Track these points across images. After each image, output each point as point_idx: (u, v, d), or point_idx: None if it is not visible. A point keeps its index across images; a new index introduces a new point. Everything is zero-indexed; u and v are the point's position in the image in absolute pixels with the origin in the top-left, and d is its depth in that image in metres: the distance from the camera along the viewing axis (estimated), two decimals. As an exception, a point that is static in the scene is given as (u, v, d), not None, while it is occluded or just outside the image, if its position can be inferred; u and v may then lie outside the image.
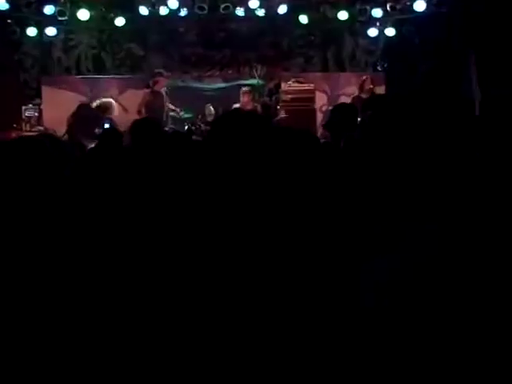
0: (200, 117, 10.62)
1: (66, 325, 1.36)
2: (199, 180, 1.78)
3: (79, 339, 1.35)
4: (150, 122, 4.91)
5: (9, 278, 1.64)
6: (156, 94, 10.25)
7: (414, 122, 1.34)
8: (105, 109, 9.79)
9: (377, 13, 10.83)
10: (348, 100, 10.18)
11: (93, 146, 6.20)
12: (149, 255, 1.54)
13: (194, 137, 9.76)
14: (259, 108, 10.26)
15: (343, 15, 10.86)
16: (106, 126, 9.51)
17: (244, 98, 10.13)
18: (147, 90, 10.20)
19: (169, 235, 1.64)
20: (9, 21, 10.60)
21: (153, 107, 10.18)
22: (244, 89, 10.41)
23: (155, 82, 10.37)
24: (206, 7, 10.71)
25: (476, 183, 1.36)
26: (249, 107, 9.87)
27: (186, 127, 10.30)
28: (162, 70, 10.86)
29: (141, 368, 1.33)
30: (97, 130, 9.75)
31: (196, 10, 10.78)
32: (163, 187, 2.60)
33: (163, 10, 10.66)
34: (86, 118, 9.74)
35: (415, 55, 11.01)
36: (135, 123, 4.68)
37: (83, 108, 9.91)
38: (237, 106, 9.94)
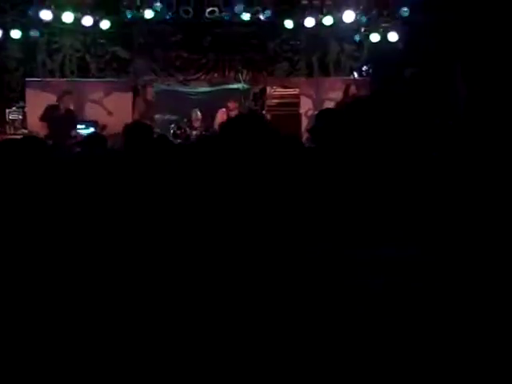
0: (186, 120, 10.61)
1: (66, 325, 1.35)
2: (197, 183, 1.78)
3: (79, 339, 1.34)
4: (142, 125, 4.92)
5: (4, 281, 1.63)
6: (149, 104, 10.24)
7: (395, 132, 1.35)
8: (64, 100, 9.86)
9: (362, 18, 10.88)
10: (333, 105, 10.24)
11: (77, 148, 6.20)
12: (145, 255, 1.54)
13: (178, 141, 9.77)
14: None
15: (328, 20, 10.90)
16: (91, 129, 9.49)
17: (231, 104, 10.13)
18: (139, 99, 10.13)
19: (166, 235, 1.64)
20: (-8, 23, 10.53)
21: (146, 116, 10.21)
22: (231, 94, 10.47)
23: (145, 90, 10.37)
24: (191, 11, 10.71)
25: (457, 205, 1.37)
26: (234, 113, 9.89)
27: (172, 131, 10.29)
28: (151, 77, 10.91)
29: (141, 368, 1.32)
30: (73, 132, 9.77)
31: (181, 14, 10.78)
32: (155, 189, 2.59)
33: (148, 14, 10.65)
34: (56, 118, 9.75)
35: (400, 61, 11.08)
36: (128, 127, 4.69)
37: (50, 109, 9.92)
38: (222, 111, 9.96)
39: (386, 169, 1.36)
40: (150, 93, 10.49)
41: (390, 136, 1.34)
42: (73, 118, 10.09)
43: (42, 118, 9.93)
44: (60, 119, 9.78)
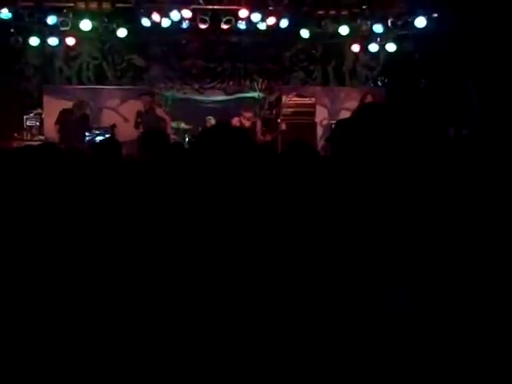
0: (200, 129, 10.63)
1: (66, 325, 1.36)
2: (196, 188, 1.79)
3: (79, 339, 1.35)
4: (158, 133, 4.97)
5: (11, 283, 1.64)
6: (151, 112, 10.26)
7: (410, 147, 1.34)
8: (80, 106, 9.92)
9: (378, 28, 10.88)
10: (348, 114, 10.22)
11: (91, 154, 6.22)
12: (149, 257, 1.54)
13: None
14: (259, 122, 10.28)
15: (344, 30, 10.91)
16: (107, 135, 9.54)
17: (246, 114, 10.12)
18: (141, 110, 10.15)
19: (167, 239, 1.65)
20: (11, 30, 10.63)
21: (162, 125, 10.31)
22: (246, 103, 10.47)
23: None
24: (207, 20, 10.76)
25: (474, 214, 1.36)
26: (248, 123, 9.91)
27: (187, 139, 10.32)
28: (166, 85, 10.99)
29: (141, 368, 1.32)
30: (87, 134, 9.83)
31: (198, 23, 10.83)
32: (163, 193, 2.60)
33: (165, 22, 10.71)
34: (69, 123, 9.82)
35: (415, 71, 11.06)
36: (144, 134, 4.75)
37: (65, 113, 10.00)
38: (236, 120, 9.97)
39: (402, 179, 1.35)
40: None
41: (406, 146, 1.34)
42: (87, 123, 10.14)
43: (57, 122, 10.03)
44: (73, 124, 9.84)
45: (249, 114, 10.15)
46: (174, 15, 10.62)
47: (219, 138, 1.82)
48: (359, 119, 1.39)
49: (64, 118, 9.95)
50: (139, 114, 9.94)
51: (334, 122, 10.96)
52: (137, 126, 9.82)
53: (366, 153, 1.32)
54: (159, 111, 10.50)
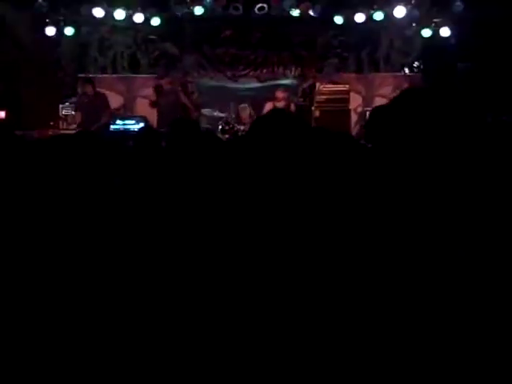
0: (234, 116, 10.64)
1: (66, 323, 1.36)
2: (236, 180, 1.78)
3: (79, 339, 1.35)
4: (188, 121, 4.97)
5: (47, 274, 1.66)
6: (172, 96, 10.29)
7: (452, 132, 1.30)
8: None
9: (413, 13, 10.71)
10: (383, 101, 10.12)
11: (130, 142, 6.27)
12: (185, 254, 1.54)
13: (226, 136, 9.81)
14: (292, 107, 10.20)
15: (379, 15, 10.78)
16: (141, 124, 9.60)
17: (279, 94, 10.02)
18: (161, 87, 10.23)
19: (203, 235, 1.64)
20: (47, 20, 10.76)
21: (195, 112, 10.33)
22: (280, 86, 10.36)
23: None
24: (240, 7, 10.73)
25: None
26: (282, 104, 9.80)
27: (220, 127, 10.32)
28: (200, 73, 10.99)
29: (141, 368, 1.32)
30: (104, 118, 9.82)
31: (231, 11, 10.81)
32: (197, 187, 2.60)
33: (198, 10, 10.72)
34: (85, 105, 9.90)
35: (452, 56, 10.87)
36: (174, 123, 4.74)
37: (79, 97, 10.10)
38: (269, 104, 9.89)
39: (442, 168, 1.32)
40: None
41: (447, 133, 1.30)
42: (105, 102, 10.10)
43: (76, 109, 10.15)
44: (89, 106, 9.88)
45: (282, 95, 10.03)
46: (207, 3, 10.62)
47: (276, 126, 1.80)
48: (398, 105, 1.35)
49: (81, 102, 10.04)
50: (158, 89, 9.99)
51: (368, 108, 10.85)
52: (153, 104, 9.90)
53: (405, 141, 1.29)
54: (183, 98, 10.45)
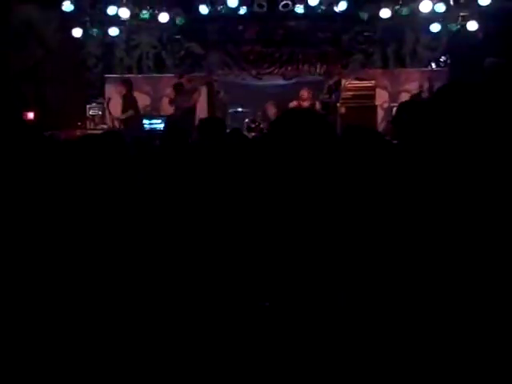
0: (259, 114, 10.63)
1: (66, 321, 1.36)
2: (259, 177, 1.78)
3: (79, 339, 1.35)
4: (215, 120, 5.00)
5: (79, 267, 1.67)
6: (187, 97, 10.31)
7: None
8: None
9: (440, 8, 10.59)
10: (409, 96, 10.05)
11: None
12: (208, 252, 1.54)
13: (252, 134, 9.81)
14: (318, 105, 10.17)
15: (404, 11, 10.68)
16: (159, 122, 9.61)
17: (304, 93, 9.99)
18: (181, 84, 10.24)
19: (233, 232, 1.64)
20: (73, 21, 10.87)
21: (220, 111, 10.32)
22: (305, 87, 10.30)
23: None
24: (265, 5, 10.72)
25: None
26: (307, 103, 9.78)
27: (246, 125, 10.33)
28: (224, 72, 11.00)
29: (141, 368, 1.32)
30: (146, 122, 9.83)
31: (255, 8, 10.80)
32: (224, 185, 2.61)
33: (223, 9, 10.73)
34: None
35: (479, 51, 10.73)
36: (202, 122, 4.78)
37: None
38: (294, 103, 9.88)
39: (470, 164, 1.29)
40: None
41: (475, 130, 1.27)
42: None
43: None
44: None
45: (306, 94, 10.00)
46: (232, 2, 10.63)
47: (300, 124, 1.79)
48: (434, 103, 1.32)
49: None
50: (177, 88, 10.01)
51: (394, 104, 10.76)
52: (170, 102, 9.94)
53: (441, 138, 1.26)
54: (196, 97, 10.38)
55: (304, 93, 9.97)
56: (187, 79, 10.31)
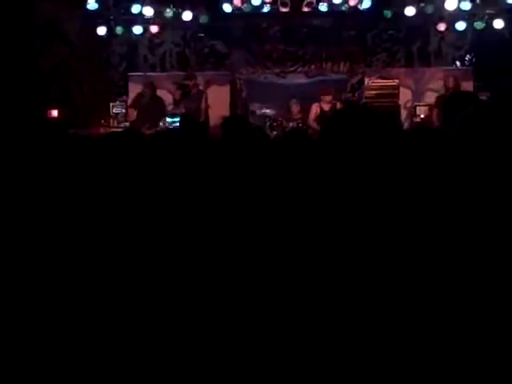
0: (282, 112, 10.61)
1: (66, 321, 1.36)
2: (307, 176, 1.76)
3: (79, 339, 1.34)
4: (239, 118, 5.03)
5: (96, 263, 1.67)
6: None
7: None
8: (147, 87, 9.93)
9: (465, 6, 10.48)
10: (434, 96, 9.95)
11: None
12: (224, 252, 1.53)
13: (274, 132, 9.79)
14: (339, 105, 10.10)
15: (429, 8, 10.58)
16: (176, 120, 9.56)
17: (325, 97, 9.95)
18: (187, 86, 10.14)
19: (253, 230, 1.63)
20: (98, 20, 10.95)
21: (243, 109, 10.25)
22: (326, 86, 10.22)
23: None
24: (288, 3, 10.70)
25: None
26: (328, 106, 9.77)
27: (268, 123, 10.31)
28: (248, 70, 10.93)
29: (140, 368, 1.31)
30: (161, 122, 9.78)
31: (279, 7, 10.78)
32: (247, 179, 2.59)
33: (246, 7, 10.73)
34: (143, 106, 9.96)
35: (506, 50, 10.59)
36: (226, 120, 4.82)
37: (138, 96, 10.17)
38: (315, 106, 9.85)
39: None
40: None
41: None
42: (161, 108, 10.16)
43: (131, 105, 10.25)
44: (147, 107, 9.96)
45: (328, 98, 9.97)
46: (255, 0, 10.63)
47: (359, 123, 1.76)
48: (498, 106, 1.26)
49: (138, 101, 10.13)
50: (183, 90, 9.95)
51: (418, 103, 10.66)
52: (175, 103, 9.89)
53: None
54: (204, 104, 10.16)
55: (325, 97, 9.91)
56: (194, 83, 10.18)
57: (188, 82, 10.29)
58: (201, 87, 10.17)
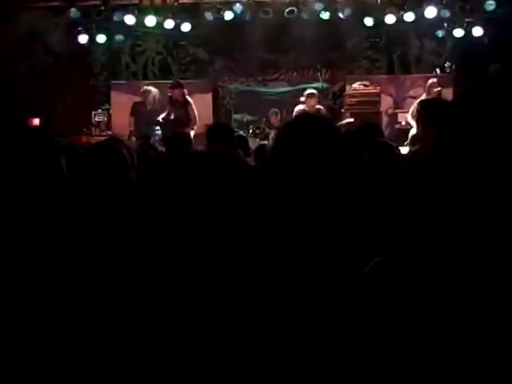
0: (264, 120, 10.65)
1: (66, 323, 1.36)
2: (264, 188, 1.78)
3: (79, 339, 1.35)
4: (223, 126, 5.05)
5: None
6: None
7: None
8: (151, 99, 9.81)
9: (445, 13, 10.60)
10: (414, 102, 10.02)
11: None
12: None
13: (257, 140, 9.81)
14: (323, 110, 10.10)
15: (409, 16, 10.68)
16: (157, 129, 9.41)
17: (310, 102, 9.90)
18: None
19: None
20: (79, 28, 10.92)
21: (226, 117, 10.19)
22: (309, 91, 10.21)
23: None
24: (270, 11, 10.75)
25: None
26: (312, 109, 9.74)
27: (251, 131, 10.35)
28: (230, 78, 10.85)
29: (140, 368, 1.33)
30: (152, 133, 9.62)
31: (260, 15, 10.83)
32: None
33: (228, 15, 10.76)
34: (143, 114, 9.84)
35: (485, 56, 10.73)
36: (210, 128, 4.84)
37: (138, 105, 10.04)
38: (300, 107, 9.82)
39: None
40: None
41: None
42: (154, 119, 9.96)
43: (131, 113, 10.06)
44: (146, 116, 9.83)
45: (313, 101, 9.88)
46: (237, 8, 10.67)
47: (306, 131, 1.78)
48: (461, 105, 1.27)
49: (137, 109, 9.98)
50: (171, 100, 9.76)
51: (399, 110, 10.77)
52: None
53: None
54: (191, 109, 9.82)
55: (310, 102, 9.85)
56: (179, 92, 9.92)
57: (170, 92, 10.08)
58: (187, 97, 10.05)
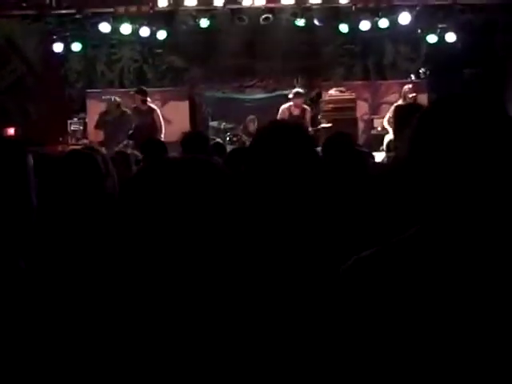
0: (241, 127, 10.66)
1: (66, 324, 1.36)
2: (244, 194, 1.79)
3: (79, 339, 1.35)
4: (198, 134, 5.04)
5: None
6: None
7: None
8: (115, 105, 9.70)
9: (418, 20, 10.71)
10: (389, 108, 10.10)
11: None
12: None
13: (234, 147, 9.79)
14: (309, 112, 9.98)
15: (384, 23, 10.78)
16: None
17: (297, 101, 9.76)
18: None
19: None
20: (54, 37, 10.85)
21: (202, 124, 10.14)
22: (297, 90, 10.06)
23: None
24: (245, 18, 10.77)
25: None
26: (297, 111, 9.64)
27: (228, 138, 10.35)
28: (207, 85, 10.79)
29: (140, 369, 1.32)
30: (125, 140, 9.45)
31: (236, 22, 10.86)
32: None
33: (204, 23, 10.77)
34: (108, 123, 9.72)
35: (458, 62, 10.86)
36: (185, 136, 4.81)
37: (102, 115, 9.94)
38: (286, 105, 9.71)
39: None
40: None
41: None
42: (126, 123, 9.79)
43: (96, 126, 10.03)
44: (111, 125, 9.70)
45: (299, 101, 9.73)
46: (213, 15, 10.68)
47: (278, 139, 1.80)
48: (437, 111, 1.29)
49: (102, 120, 9.92)
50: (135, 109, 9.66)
51: (375, 116, 10.86)
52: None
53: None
54: (156, 116, 9.75)
55: (298, 101, 9.73)
56: (137, 98, 9.76)
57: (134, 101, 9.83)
58: (151, 104, 9.87)
